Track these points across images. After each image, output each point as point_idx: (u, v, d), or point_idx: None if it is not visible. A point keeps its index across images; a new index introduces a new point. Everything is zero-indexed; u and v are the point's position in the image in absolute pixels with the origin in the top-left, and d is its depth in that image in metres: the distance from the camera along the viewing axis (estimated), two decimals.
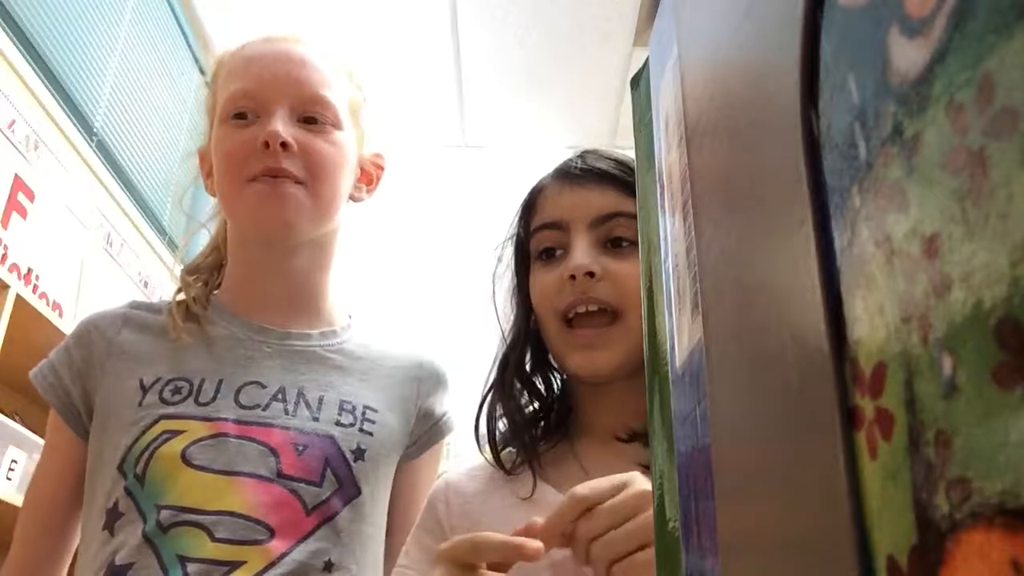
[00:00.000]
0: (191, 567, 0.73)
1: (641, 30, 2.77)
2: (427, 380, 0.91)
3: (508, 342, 0.77)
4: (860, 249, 0.15)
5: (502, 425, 0.76)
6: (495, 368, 0.78)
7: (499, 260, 0.81)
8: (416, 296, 4.10)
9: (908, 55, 0.13)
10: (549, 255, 0.74)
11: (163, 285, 2.81)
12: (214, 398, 0.80)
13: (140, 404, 0.79)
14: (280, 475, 0.77)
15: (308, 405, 0.82)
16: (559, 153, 0.80)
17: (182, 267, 0.96)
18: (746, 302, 0.20)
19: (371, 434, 0.83)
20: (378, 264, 3.71)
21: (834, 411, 0.15)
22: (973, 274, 0.11)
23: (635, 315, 0.69)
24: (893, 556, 0.13)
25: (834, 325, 0.15)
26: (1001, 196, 0.11)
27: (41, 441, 1.81)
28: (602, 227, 0.72)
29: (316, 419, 0.81)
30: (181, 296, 0.89)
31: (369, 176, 0.94)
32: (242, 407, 0.80)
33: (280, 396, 0.82)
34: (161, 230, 2.81)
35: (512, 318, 0.78)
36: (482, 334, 1.00)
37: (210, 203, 0.97)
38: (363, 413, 0.84)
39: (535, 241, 0.76)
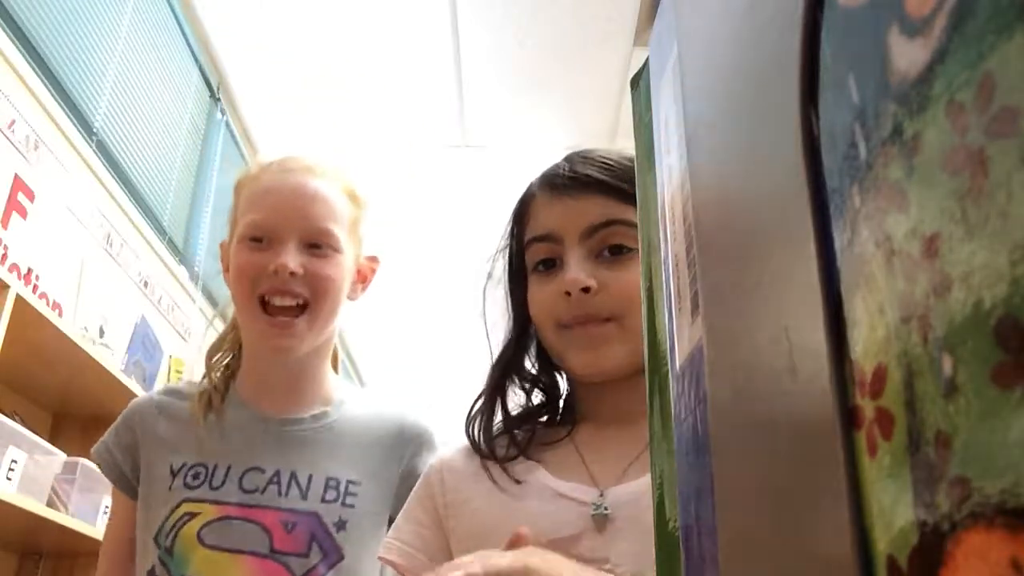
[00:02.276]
0: None
1: (641, 30, 2.77)
2: (410, 444, 1.03)
3: (502, 351, 0.78)
4: (860, 249, 0.15)
5: (496, 426, 0.76)
6: (489, 376, 0.78)
7: (489, 275, 0.81)
8: (415, 296, 4.10)
9: (908, 55, 0.13)
10: (547, 266, 0.74)
11: (163, 285, 2.82)
12: (223, 482, 0.97)
13: (170, 488, 0.97)
14: (272, 550, 0.93)
15: (299, 486, 0.97)
16: (559, 153, 0.80)
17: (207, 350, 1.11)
18: (746, 302, 0.20)
19: (352, 506, 0.97)
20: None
21: (834, 411, 0.15)
22: (973, 274, 0.11)
23: (634, 318, 0.69)
24: (893, 556, 0.13)
25: (834, 325, 0.15)
26: (1001, 196, 0.11)
27: (41, 441, 1.82)
28: (595, 236, 0.71)
29: (304, 498, 0.97)
30: (205, 386, 1.05)
31: (364, 276, 1.09)
32: (244, 491, 0.96)
33: (275, 479, 0.97)
34: (161, 230, 2.81)
35: (507, 328, 0.79)
36: (480, 334, 1.00)
37: None
38: (346, 488, 0.98)
39: (530, 254, 0.75)
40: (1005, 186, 0.11)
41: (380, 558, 0.77)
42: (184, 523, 0.94)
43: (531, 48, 2.91)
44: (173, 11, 2.85)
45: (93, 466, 1.97)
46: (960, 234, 0.12)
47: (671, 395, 0.26)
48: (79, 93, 2.26)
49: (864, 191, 0.15)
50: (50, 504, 1.83)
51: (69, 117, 2.18)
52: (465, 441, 0.78)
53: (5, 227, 1.89)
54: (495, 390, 0.77)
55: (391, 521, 0.96)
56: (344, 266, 1.01)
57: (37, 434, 1.83)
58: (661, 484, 0.27)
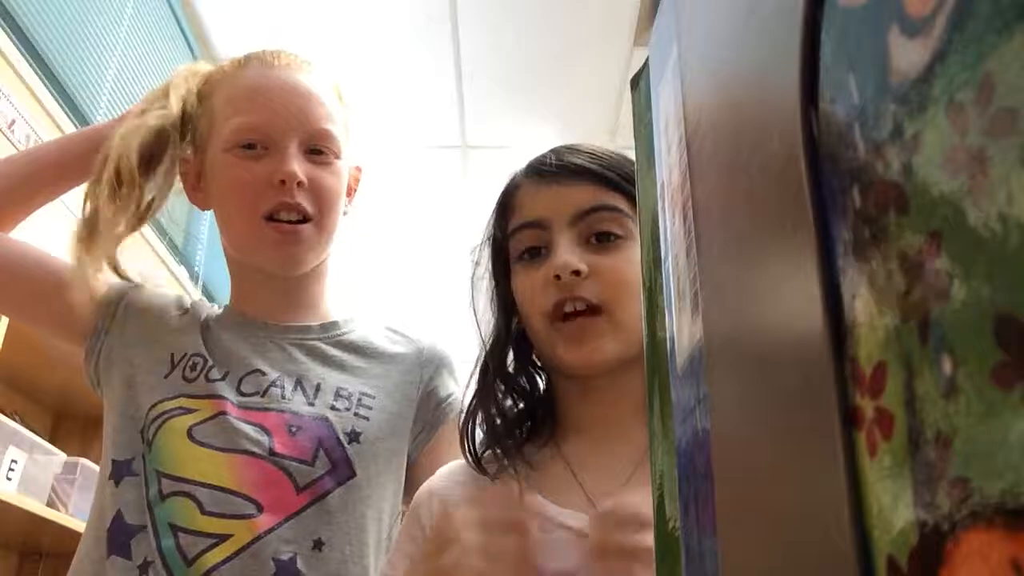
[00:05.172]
0: (182, 537, 0.77)
1: (641, 30, 2.77)
2: (428, 364, 0.94)
3: (488, 346, 0.75)
4: (860, 249, 0.15)
5: (481, 432, 0.73)
6: (476, 374, 0.75)
7: (477, 264, 0.78)
8: (414, 297, 4.10)
9: (908, 55, 0.13)
10: (533, 254, 0.72)
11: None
12: (222, 378, 0.85)
13: (167, 377, 0.85)
14: (272, 453, 0.80)
15: (304, 391, 0.86)
16: None
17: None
18: (746, 302, 0.20)
19: (367, 418, 0.86)
20: (377, 265, 3.71)
21: (834, 411, 0.15)
22: (973, 274, 0.11)
23: (624, 310, 0.68)
24: (893, 556, 0.13)
25: (834, 325, 0.15)
26: (1001, 196, 0.11)
27: (41, 441, 1.82)
28: (583, 222, 0.70)
29: (311, 404, 0.85)
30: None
31: (351, 188, 0.98)
32: (243, 395, 0.84)
33: (278, 383, 0.86)
34: (161, 230, 2.81)
35: (492, 322, 0.76)
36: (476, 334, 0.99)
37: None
38: (359, 399, 0.87)
39: (515, 242, 0.73)
40: (1005, 186, 0.11)
41: None
42: (176, 416, 0.82)
43: (531, 48, 2.91)
44: (173, 11, 2.84)
45: (93, 466, 1.97)
46: (960, 234, 0.12)
47: (671, 395, 0.26)
48: (79, 93, 2.26)
49: (864, 191, 0.15)
50: (50, 504, 1.83)
51: (69, 117, 2.18)
52: (453, 467, 0.75)
53: None
54: (481, 392, 0.73)
55: (410, 459, 0.89)
56: (344, 175, 0.91)
57: (37, 434, 1.83)
58: (661, 484, 0.27)
